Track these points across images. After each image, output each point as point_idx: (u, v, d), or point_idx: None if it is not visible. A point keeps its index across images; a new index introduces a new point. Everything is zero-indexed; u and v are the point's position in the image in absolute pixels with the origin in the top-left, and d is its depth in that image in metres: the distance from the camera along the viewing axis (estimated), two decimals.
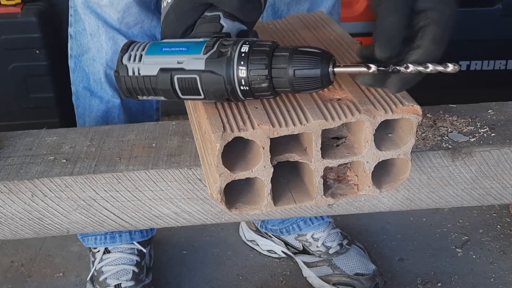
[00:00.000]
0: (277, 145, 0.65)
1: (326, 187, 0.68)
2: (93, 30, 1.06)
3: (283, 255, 1.33)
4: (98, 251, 1.21)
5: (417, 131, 0.69)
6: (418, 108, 0.65)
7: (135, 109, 1.13)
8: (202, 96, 0.63)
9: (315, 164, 0.65)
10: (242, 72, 0.60)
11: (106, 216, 0.77)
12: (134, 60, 0.65)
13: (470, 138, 0.78)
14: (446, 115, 0.82)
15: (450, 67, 0.59)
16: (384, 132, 0.68)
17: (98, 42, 1.06)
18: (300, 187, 0.70)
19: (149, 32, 1.09)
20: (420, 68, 0.59)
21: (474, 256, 1.33)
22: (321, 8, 1.07)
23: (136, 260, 1.21)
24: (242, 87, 0.61)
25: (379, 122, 0.64)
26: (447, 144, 0.77)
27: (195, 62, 0.62)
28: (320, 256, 1.26)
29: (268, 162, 0.63)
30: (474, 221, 1.43)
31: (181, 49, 0.64)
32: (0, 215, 0.75)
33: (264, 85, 0.60)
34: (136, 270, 1.20)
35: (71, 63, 1.11)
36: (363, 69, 0.61)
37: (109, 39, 1.05)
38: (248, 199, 0.69)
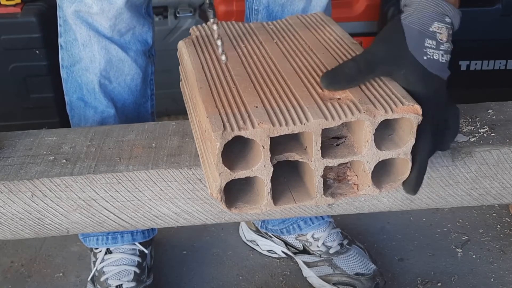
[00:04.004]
0: (277, 144, 0.65)
1: (326, 186, 0.68)
2: (84, 41, 1.04)
3: (283, 255, 1.33)
4: (100, 251, 1.21)
5: None
6: (418, 107, 0.65)
7: (131, 116, 1.12)
8: None
9: (315, 163, 0.65)
10: None
11: (106, 216, 0.77)
12: None
13: (470, 138, 0.78)
14: None
15: None
16: (384, 132, 0.68)
17: (90, 52, 1.05)
18: (300, 187, 0.70)
19: (141, 38, 1.08)
20: None
21: (474, 256, 1.33)
22: (315, 8, 1.07)
23: (138, 261, 1.21)
24: None
25: (379, 122, 0.64)
26: None
27: None
28: (320, 256, 1.26)
29: (268, 161, 0.63)
30: (474, 221, 1.43)
31: None
32: (0, 215, 0.75)
33: None
34: (137, 271, 1.20)
35: (63, 73, 1.10)
36: None
37: (101, 49, 1.04)
38: (248, 199, 0.69)
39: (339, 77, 0.69)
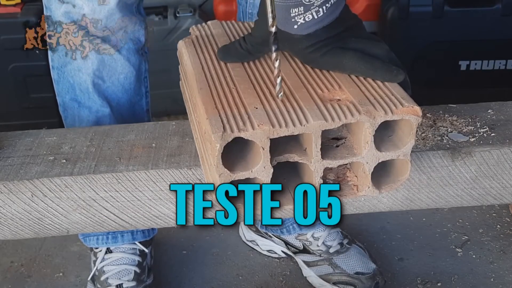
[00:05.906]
0: (277, 145, 0.65)
1: None
2: (76, 41, 1.05)
3: (283, 255, 1.33)
4: (100, 250, 1.21)
5: (417, 131, 0.69)
6: (418, 109, 0.65)
7: (126, 114, 1.12)
8: None
9: (314, 164, 0.65)
10: None
11: (106, 216, 0.77)
12: None
13: (470, 138, 0.78)
14: (446, 115, 0.83)
15: None
16: (383, 133, 0.68)
17: (82, 53, 1.05)
18: None
19: (133, 36, 1.08)
20: None
21: (474, 256, 1.33)
22: None
23: (138, 261, 1.21)
24: None
25: (379, 123, 0.64)
26: (447, 144, 0.77)
27: None
28: (320, 255, 1.26)
29: (268, 162, 0.63)
30: (474, 221, 1.43)
31: None
32: (0, 215, 0.75)
33: None
34: (138, 270, 1.20)
35: (53, 74, 1.09)
36: None
37: (93, 49, 1.05)
38: None
39: (232, 53, 0.76)
